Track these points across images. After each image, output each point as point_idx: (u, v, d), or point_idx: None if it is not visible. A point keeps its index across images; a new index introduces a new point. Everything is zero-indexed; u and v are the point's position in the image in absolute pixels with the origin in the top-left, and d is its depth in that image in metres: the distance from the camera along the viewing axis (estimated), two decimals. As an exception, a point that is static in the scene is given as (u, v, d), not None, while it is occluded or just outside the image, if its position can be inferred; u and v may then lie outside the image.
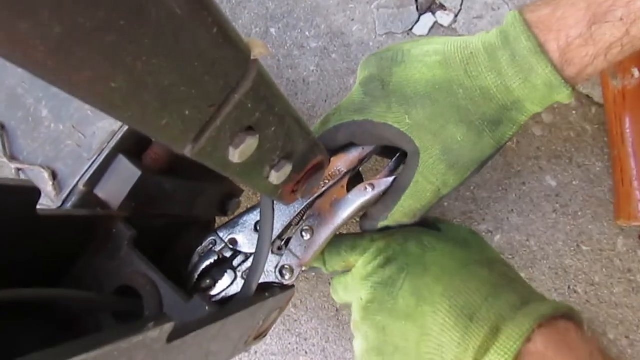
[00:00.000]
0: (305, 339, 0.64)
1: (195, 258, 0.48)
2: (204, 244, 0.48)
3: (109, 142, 0.36)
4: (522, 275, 0.61)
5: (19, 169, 0.50)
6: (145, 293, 0.36)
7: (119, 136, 0.37)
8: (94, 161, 0.37)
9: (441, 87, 0.43)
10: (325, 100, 0.69)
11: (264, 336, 0.53)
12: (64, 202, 0.37)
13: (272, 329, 0.57)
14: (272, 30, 0.70)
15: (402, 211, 0.46)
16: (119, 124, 0.37)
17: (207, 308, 0.35)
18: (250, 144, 0.27)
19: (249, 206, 0.51)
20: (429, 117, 0.43)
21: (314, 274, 0.65)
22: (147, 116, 0.19)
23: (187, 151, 0.24)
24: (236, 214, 0.51)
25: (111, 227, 0.37)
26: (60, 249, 0.36)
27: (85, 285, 0.37)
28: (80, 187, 0.36)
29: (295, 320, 0.64)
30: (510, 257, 0.62)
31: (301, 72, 0.69)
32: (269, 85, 0.26)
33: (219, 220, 0.56)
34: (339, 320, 0.64)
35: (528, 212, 0.62)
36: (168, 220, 0.45)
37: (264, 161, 0.31)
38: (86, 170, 0.37)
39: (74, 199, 0.37)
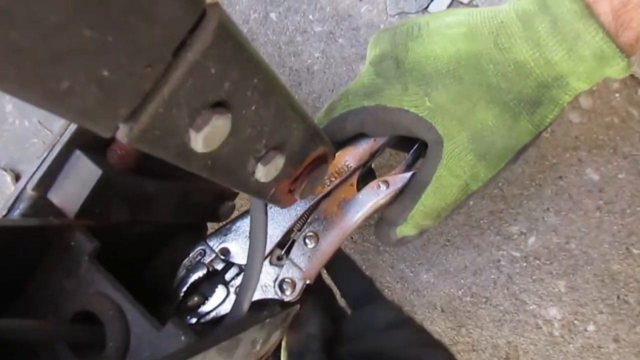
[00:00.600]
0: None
1: (182, 271, 0.41)
2: (191, 255, 0.41)
3: (62, 135, 0.30)
4: (562, 283, 0.53)
5: (-21, 172, 0.43)
6: (107, 320, 0.29)
7: (75, 127, 0.30)
8: (45, 159, 0.30)
9: (467, 63, 0.35)
10: (332, 90, 0.62)
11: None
12: (9, 210, 0.30)
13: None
14: (272, 15, 0.63)
15: (423, 211, 0.38)
16: (73, 112, 0.30)
17: (182, 338, 0.28)
18: (219, 126, 0.20)
19: (245, 208, 0.44)
20: (453, 99, 0.35)
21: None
22: (29, 75, 0.12)
23: (122, 135, 0.17)
24: (230, 219, 0.44)
25: (69, 239, 0.31)
26: (7, 268, 0.29)
27: (40, 310, 0.31)
28: (29, 191, 0.30)
29: (303, 337, 0.57)
30: (547, 262, 0.54)
31: (305, 59, 0.62)
32: (242, 45, 0.19)
33: (211, 227, 0.49)
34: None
35: (567, 211, 0.55)
36: (145, 229, 0.38)
37: (244, 152, 0.24)
38: (35, 171, 0.30)
39: (22, 205, 0.30)
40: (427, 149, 0.38)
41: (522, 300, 0.54)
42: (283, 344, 0.40)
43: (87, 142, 0.31)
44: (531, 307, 0.54)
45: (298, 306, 0.43)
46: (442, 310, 0.55)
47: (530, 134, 0.36)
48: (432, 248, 0.57)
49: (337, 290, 0.46)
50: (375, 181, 0.42)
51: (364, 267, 0.58)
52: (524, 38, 0.34)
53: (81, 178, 0.30)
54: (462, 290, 0.56)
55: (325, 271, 0.46)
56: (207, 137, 0.19)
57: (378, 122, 0.39)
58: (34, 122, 0.44)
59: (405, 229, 0.40)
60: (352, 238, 0.59)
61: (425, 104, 0.36)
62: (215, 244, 0.41)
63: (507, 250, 0.55)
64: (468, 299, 0.55)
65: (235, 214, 0.49)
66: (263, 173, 0.26)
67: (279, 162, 0.27)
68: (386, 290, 0.56)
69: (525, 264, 0.55)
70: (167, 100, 0.17)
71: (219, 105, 0.20)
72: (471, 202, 0.57)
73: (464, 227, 0.56)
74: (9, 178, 0.39)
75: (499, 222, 0.56)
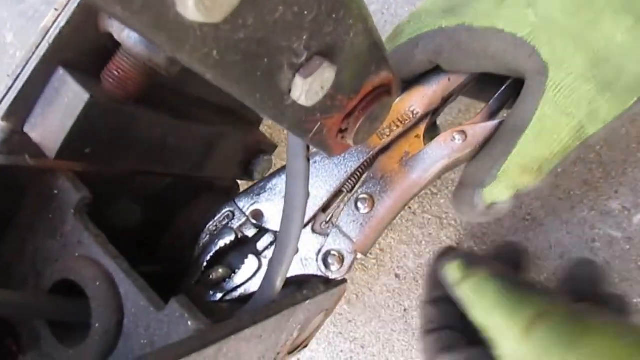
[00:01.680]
0: (363, 346, 0.49)
1: (205, 237, 0.34)
2: (217, 218, 0.34)
3: (38, 46, 0.22)
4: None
5: (-24, 114, 0.37)
6: (93, 293, 0.22)
7: (53, 35, 0.22)
8: (17, 78, 0.23)
9: None
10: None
11: (304, 347, 0.38)
12: (-26, 145, 0.23)
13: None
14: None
15: (520, 163, 0.29)
16: (51, 14, 0.22)
17: (189, 322, 0.20)
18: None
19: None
20: (566, 9, 0.25)
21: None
22: None
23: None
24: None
25: (50, 187, 0.23)
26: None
27: (14, 276, 0.24)
28: (-1, 120, 0.23)
29: (350, 321, 0.49)
30: (659, 246, 0.44)
31: (359, -3, 0.53)
32: None
33: (243, 186, 0.42)
34: (407, 322, 0.48)
35: (687, 182, 0.43)
36: (159, 184, 0.31)
37: (273, 46, 0.16)
38: (6, 94, 0.23)
39: (-9, 140, 0.23)
40: (525, 84, 0.29)
41: (622, 290, 0.44)
42: None
43: (73, 59, 0.24)
44: (635, 301, 0.44)
45: (345, 285, 0.35)
46: (519, 298, 0.45)
47: None
48: (508, 223, 0.47)
49: None
50: (448, 131, 0.33)
51: (423, 243, 0.49)
52: None
53: (65, 105, 0.23)
54: (544, 275, 0.46)
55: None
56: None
57: (460, 49, 0.29)
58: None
59: (495, 191, 0.30)
60: (410, 208, 0.50)
61: (528, 19, 0.26)
62: (246, 206, 0.34)
63: (604, 229, 0.45)
64: (552, 285, 0.46)
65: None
66: (303, 90, 0.18)
67: (326, 76, 0.18)
68: (450, 271, 0.47)
69: (628, 247, 0.44)
70: None
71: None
72: (559, 169, 0.46)
73: (549, 199, 0.46)
74: (6, 120, 0.32)
75: (594, 194, 0.45)
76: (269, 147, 0.39)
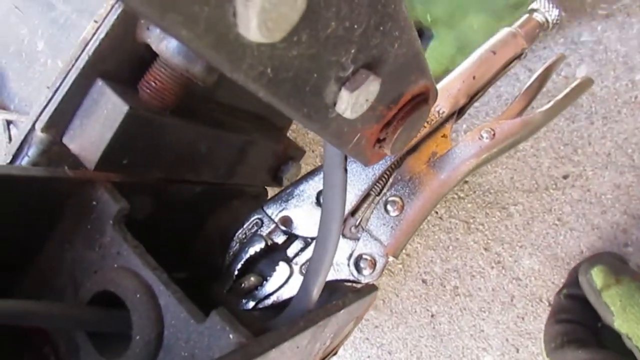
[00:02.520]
0: (390, 352, 0.49)
1: (235, 246, 0.34)
2: (246, 225, 0.34)
3: (77, 59, 0.22)
4: None
5: (8, 122, 0.38)
6: (134, 305, 0.22)
7: (93, 47, 0.22)
8: (57, 90, 0.23)
9: None
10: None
11: (334, 354, 0.38)
12: (14, 157, 0.23)
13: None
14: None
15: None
16: (91, 27, 0.22)
17: (230, 336, 0.20)
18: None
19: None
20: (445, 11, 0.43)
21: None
22: None
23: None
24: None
25: (89, 198, 0.23)
26: (11, 231, 0.22)
27: (53, 288, 0.24)
28: (39, 132, 0.23)
29: (376, 327, 0.49)
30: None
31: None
32: None
33: (271, 192, 0.41)
34: (434, 328, 0.48)
35: None
36: (190, 192, 0.31)
37: (324, 61, 0.15)
38: (45, 106, 0.23)
39: (30, 151, 0.23)
40: None
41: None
42: None
43: (113, 70, 0.24)
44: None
45: (376, 292, 0.35)
46: (550, 304, 0.45)
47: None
48: (538, 227, 0.46)
49: None
50: (476, 130, 0.32)
51: (450, 248, 0.48)
52: None
53: (104, 116, 0.23)
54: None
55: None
56: (265, 10, 0.11)
57: None
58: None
59: None
60: (436, 212, 0.49)
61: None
62: (275, 212, 0.33)
63: (637, 233, 0.44)
64: (583, 291, 0.45)
65: (300, 178, 0.41)
66: (349, 104, 0.17)
67: (371, 89, 0.18)
68: (478, 277, 0.47)
69: (663, 252, 0.43)
70: None
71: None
72: (590, 172, 0.45)
73: (578, 203, 0.45)
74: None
75: (627, 197, 0.44)
76: (297, 153, 0.39)
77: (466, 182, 0.44)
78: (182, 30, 0.10)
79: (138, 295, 0.22)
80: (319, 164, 0.50)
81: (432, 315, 0.48)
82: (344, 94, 0.17)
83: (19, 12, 0.39)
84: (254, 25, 0.11)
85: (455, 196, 0.49)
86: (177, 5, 0.10)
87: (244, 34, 0.11)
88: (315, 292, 0.25)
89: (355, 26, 0.15)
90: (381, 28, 0.17)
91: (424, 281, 0.48)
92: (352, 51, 0.16)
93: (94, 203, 0.24)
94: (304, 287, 0.26)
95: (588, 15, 0.49)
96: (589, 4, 0.50)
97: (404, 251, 0.50)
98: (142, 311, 0.22)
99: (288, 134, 0.43)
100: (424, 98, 0.24)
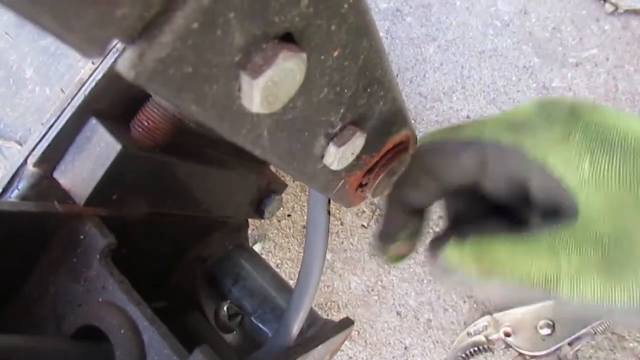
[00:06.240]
0: (363, 384, 0.49)
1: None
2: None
3: (74, 97, 0.23)
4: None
5: (-8, 146, 0.38)
6: (117, 341, 0.22)
7: (89, 88, 0.23)
8: (52, 127, 0.23)
9: None
10: (397, 75, 0.54)
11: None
12: (4, 190, 0.23)
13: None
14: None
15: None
16: (89, 68, 0.23)
17: (213, 374, 0.21)
18: (288, 70, 0.12)
19: (295, 206, 0.36)
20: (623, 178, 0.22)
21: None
22: None
23: (127, 64, 0.10)
24: (277, 215, 0.37)
25: (77, 232, 0.24)
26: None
27: (36, 320, 0.24)
28: (30, 167, 0.23)
29: (350, 358, 0.50)
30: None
31: (367, 38, 0.54)
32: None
33: (253, 224, 0.42)
34: (407, 360, 0.49)
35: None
36: (172, 224, 0.32)
37: (315, 122, 0.16)
38: (39, 141, 0.23)
39: (21, 185, 0.24)
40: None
41: (619, 335, 0.45)
42: None
43: (106, 109, 0.24)
44: (631, 345, 0.45)
45: (352, 326, 0.36)
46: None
47: None
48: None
49: None
50: None
51: (424, 281, 0.50)
52: None
53: (96, 154, 0.23)
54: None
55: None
56: (268, 87, 0.12)
57: (497, 166, 0.26)
58: (56, 91, 0.37)
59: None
60: (412, 246, 0.50)
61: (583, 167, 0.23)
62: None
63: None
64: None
65: (282, 210, 0.42)
66: (335, 157, 0.19)
67: (357, 144, 0.19)
68: (450, 310, 0.48)
69: None
70: (207, 8, 0.10)
71: (289, 40, 0.12)
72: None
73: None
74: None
75: None
76: (280, 187, 0.40)
77: (441, 217, 0.46)
78: (192, 106, 0.11)
79: (122, 331, 0.22)
80: (300, 193, 0.51)
81: (406, 348, 0.48)
82: (332, 148, 0.18)
83: (8, 37, 0.40)
84: (257, 101, 0.12)
85: (431, 231, 0.50)
86: (190, 86, 0.11)
87: (247, 107, 0.12)
88: (295, 329, 0.26)
89: (345, 90, 0.17)
90: (368, 90, 0.18)
91: (398, 313, 0.49)
92: (341, 111, 0.17)
93: (82, 237, 0.24)
94: (284, 324, 0.27)
95: (559, 62, 0.52)
96: (560, 52, 0.52)
97: (379, 283, 0.51)
98: (126, 346, 0.22)
99: (271, 167, 0.44)
100: (405, 147, 0.25)
